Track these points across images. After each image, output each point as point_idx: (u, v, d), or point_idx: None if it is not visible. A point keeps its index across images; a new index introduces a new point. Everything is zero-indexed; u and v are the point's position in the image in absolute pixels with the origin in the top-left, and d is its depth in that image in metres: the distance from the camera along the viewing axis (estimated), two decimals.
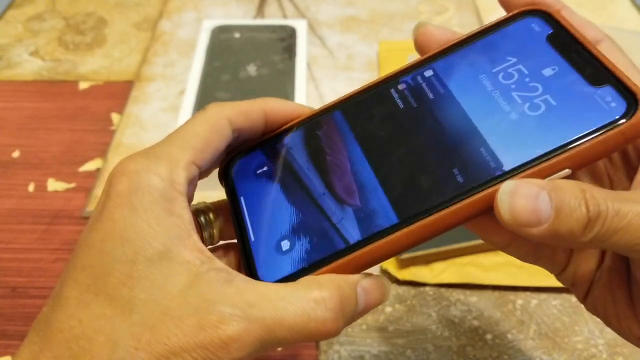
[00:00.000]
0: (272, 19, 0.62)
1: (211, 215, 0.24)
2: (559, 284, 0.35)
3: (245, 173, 0.24)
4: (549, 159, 0.20)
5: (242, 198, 0.24)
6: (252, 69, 0.53)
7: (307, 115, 0.25)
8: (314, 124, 0.25)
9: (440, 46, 0.24)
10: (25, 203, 0.45)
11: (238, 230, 0.23)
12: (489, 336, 0.36)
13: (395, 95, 0.24)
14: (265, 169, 0.24)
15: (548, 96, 0.21)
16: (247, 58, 0.55)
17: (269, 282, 0.21)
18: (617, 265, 0.23)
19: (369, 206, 0.22)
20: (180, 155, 0.21)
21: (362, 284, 0.21)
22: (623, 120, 0.20)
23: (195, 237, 0.21)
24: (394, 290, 0.38)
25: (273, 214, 0.23)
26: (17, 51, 0.59)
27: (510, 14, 0.24)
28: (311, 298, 0.19)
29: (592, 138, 0.20)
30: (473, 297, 0.38)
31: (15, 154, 0.49)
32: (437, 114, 0.23)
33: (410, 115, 0.23)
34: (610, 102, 0.20)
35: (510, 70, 0.23)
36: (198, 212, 0.24)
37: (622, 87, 0.20)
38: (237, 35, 0.58)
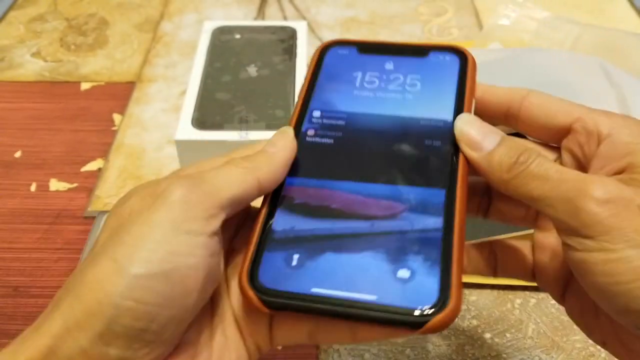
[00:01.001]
0: (273, 21, 0.62)
1: None
2: None
3: (282, 277, 0.21)
4: (462, 102, 0.25)
5: (312, 289, 0.21)
6: (252, 70, 0.54)
7: (267, 206, 0.24)
8: (286, 202, 0.24)
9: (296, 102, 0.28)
10: (27, 203, 0.45)
11: (344, 313, 0.21)
12: (487, 335, 0.36)
13: (318, 140, 0.26)
14: (298, 256, 0.22)
15: (410, 76, 0.27)
16: (248, 59, 0.55)
17: (431, 307, 0.20)
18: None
19: (418, 199, 0.23)
20: None
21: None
22: (466, 60, 0.27)
23: None
24: None
25: (356, 270, 0.21)
26: (19, 52, 0.59)
27: (314, 56, 0.28)
28: None
29: (465, 76, 0.26)
30: (472, 296, 0.38)
31: (18, 154, 0.49)
32: (366, 125, 0.26)
33: (350, 138, 0.25)
34: (445, 58, 0.27)
35: (367, 79, 0.27)
36: None
37: (439, 49, 0.27)
38: (237, 36, 0.58)
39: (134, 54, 0.59)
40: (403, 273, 0.21)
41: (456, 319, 0.37)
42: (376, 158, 0.24)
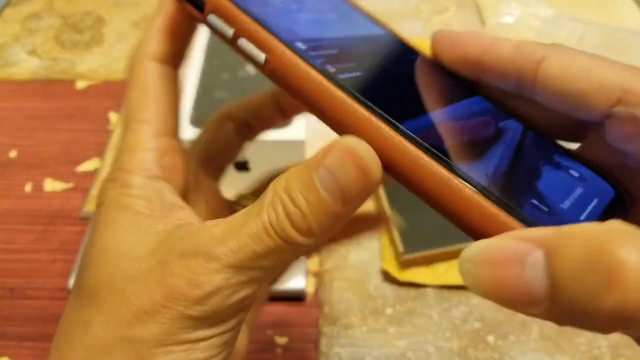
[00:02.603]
0: None
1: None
2: None
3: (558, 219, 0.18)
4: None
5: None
6: (251, 68, 0.53)
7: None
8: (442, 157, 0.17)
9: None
10: (22, 203, 0.44)
11: None
12: (490, 338, 0.36)
13: (347, 76, 0.18)
14: (535, 201, 0.17)
15: None
16: None
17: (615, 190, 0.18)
18: None
19: (479, 110, 0.20)
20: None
21: (325, 163, 0.16)
22: None
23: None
24: (395, 291, 0.38)
25: (563, 187, 0.19)
26: (15, 50, 0.59)
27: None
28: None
29: None
30: (475, 299, 0.38)
31: (12, 153, 0.48)
32: (360, 50, 0.20)
33: (366, 70, 0.19)
34: None
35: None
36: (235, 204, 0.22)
37: None
38: None
39: (130, 52, 0.58)
40: (573, 173, 0.19)
41: (458, 321, 0.36)
42: (411, 83, 0.20)
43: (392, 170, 0.17)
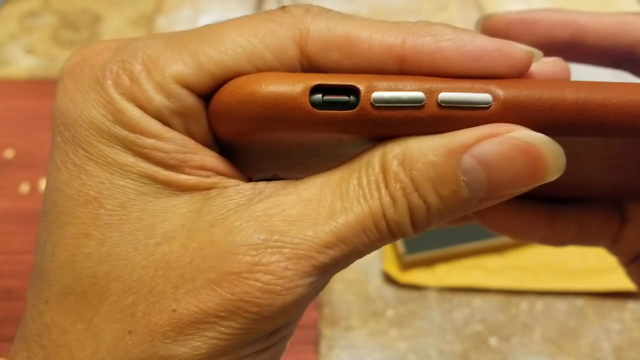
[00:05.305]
0: None
1: None
2: (564, 287, 0.34)
3: None
4: None
5: None
6: None
7: None
8: None
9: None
10: (18, 204, 0.44)
11: None
12: (492, 340, 0.35)
13: None
14: None
15: None
16: None
17: None
18: None
19: None
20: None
21: (478, 153, 0.12)
22: None
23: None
24: (396, 293, 0.38)
25: None
26: (11, 49, 0.58)
27: None
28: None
29: None
30: (477, 300, 0.37)
31: (8, 153, 0.48)
32: None
33: None
34: None
35: None
36: None
37: None
38: None
39: None
40: None
41: (459, 323, 0.36)
42: None
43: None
